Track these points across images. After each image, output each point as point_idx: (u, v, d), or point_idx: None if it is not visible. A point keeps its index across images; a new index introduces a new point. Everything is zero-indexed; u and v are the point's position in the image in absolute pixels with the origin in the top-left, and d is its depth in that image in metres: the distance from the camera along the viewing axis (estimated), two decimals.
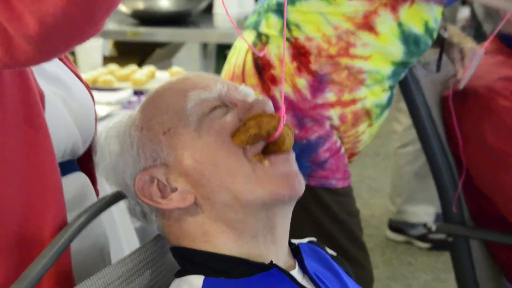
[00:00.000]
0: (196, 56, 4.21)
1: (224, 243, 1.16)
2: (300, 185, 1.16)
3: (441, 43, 2.09)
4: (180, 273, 1.18)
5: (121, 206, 1.90)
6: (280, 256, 1.19)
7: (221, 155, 1.14)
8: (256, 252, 1.16)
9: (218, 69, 4.10)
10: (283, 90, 1.32)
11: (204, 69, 4.11)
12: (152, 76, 2.82)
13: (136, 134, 1.18)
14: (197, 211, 1.16)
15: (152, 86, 2.69)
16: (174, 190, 1.16)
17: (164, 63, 3.75)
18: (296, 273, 1.19)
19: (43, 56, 1.00)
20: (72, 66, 1.35)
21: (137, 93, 2.63)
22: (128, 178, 1.19)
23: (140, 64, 3.59)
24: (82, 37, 0.99)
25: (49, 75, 1.26)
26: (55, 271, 1.16)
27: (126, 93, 2.55)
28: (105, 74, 2.77)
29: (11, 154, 1.12)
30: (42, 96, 1.18)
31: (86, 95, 1.34)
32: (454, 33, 2.12)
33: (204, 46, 4.26)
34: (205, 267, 1.16)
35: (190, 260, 1.17)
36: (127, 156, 1.18)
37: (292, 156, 1.18)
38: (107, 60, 3.28)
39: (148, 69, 2.84)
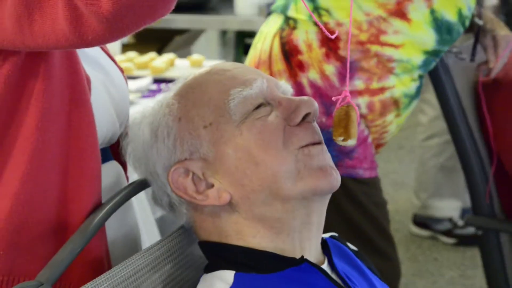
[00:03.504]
0: (215, 44, 4.21)
1: (258, 242, 1.17)
2: (337, 175, 1.18)
3: (476, 31, 2.09)
4: (210, 268, 1.19)
5: (140, 197, 1.91)
6: (313, 251, 1.20)
7: (261, 153, 1.14)
8: (289, 248, 1.18)
9: (237, 58, 4.11)
10: (349, 63, 1.29)
11: (223, 58, 4.11)
12: (172, 64, 2.83)
13: (174, 124, 1.18)
14: (232, 210, 1.17)
15: (172, 74, 2.71)
16: (210, 186, 1.17)
17: (183, 51, 3.75)
18: (325, 268, 1.20)
19: (112, 35, 1.00)
20: (107, 49, 1.34)
21: (157, 81, 2.64)
22: (160, 169, 1.19)
23: (159, 51, 3.60)
24: (154, 16, 0.99)
25: (91, 59, 1.25)
26: (87, 257, 1.18)
27: (145, 81, 2.57)
28: (124, 61, 2.78)
29: (54, 138, 1.12)
30: (88, 80, 1.18)
31: (122, 81, 1.32)
32: (487, 19, 2.12)
33: (223, 33, 4.26)
34: (235, 262, 1.17)
35: (221, 255, 1.18)
36: (162, 146, 1.18)
37: (325, 147, 1.19)
38: (125, 47, 3.29)
39: (167, 56, 2.85)
